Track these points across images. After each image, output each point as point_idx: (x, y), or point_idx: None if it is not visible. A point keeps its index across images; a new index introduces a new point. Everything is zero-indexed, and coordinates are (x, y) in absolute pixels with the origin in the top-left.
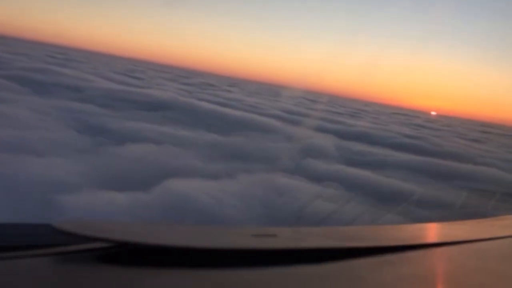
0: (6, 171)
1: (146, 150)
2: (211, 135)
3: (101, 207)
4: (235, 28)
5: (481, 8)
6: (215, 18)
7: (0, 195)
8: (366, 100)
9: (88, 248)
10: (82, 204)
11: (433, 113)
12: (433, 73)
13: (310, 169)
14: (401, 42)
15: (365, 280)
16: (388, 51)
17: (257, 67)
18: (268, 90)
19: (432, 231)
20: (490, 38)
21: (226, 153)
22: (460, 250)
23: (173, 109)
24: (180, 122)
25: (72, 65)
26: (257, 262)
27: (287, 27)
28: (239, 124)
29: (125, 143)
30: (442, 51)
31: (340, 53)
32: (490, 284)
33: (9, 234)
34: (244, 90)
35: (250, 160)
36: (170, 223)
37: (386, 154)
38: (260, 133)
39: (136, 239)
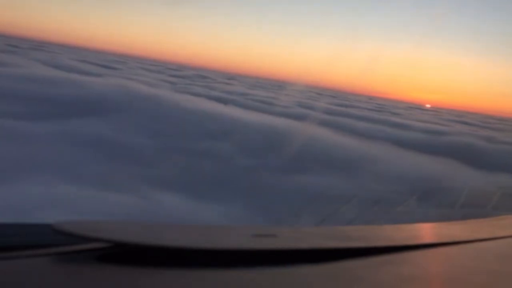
0: None
1: None
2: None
3: None
4: (228, 23)
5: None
6: (210, 13)
7: None
8: (358, 93)
9: (88, 248)
10: None
11: (427, 105)
12: (419, 66)
13: None
14: (391, 36)
15: (365, 280)
16: (378, 44)
17: (250, 62)
18: (268, 84)
19: (432, 231)
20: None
21: None
22: (460, 250)
23: (118, 111)
24: (107, 155)
25: (23, 53)
26: (257, 262)
27: (280, 21)
28: (268, 145)
29: None
30: (430, 44)
31: (332, 46)
32: (490, 284)
33: (9, 234)
34: (245, 83)
35: None
36: (170, 223)
37: None
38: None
39: (136, 239)
